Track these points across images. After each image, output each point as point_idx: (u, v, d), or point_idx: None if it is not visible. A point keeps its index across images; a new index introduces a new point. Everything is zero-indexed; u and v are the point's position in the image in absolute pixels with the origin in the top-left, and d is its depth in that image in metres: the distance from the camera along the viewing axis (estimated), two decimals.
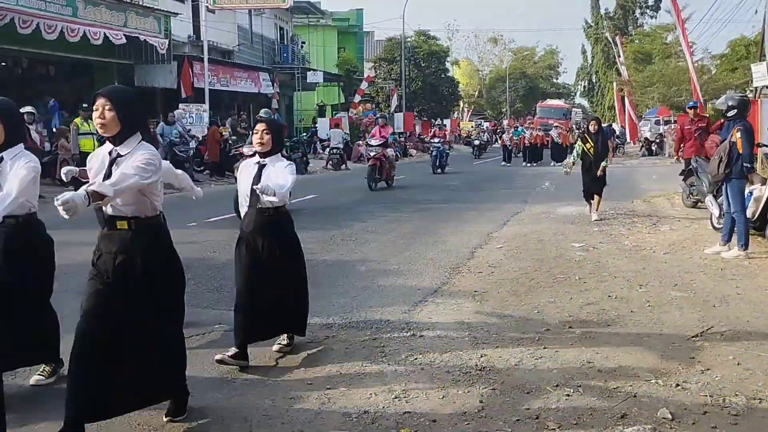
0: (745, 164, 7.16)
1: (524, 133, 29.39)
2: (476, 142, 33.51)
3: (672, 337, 4.78)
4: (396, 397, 3.77)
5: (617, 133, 34.12)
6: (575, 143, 11.72)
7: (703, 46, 72.72)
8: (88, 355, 3.12)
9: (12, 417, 3.20)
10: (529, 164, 26.78)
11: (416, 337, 4.82)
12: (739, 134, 7.15)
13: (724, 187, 7.50)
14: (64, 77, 20.19)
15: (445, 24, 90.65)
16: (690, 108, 12.63)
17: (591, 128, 10.91)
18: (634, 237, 8.96)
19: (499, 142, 32.34)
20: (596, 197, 10.62)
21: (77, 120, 12.86)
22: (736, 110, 7.31)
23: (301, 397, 3.77)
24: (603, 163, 10.53)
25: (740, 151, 7.11)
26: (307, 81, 32.72)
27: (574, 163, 11.36)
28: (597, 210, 10.59)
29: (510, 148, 28.66)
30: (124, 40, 18.36)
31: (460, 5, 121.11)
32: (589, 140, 10.67)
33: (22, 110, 13.12)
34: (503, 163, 27.27)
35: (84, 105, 13.30)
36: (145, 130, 3.60)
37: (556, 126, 30.61)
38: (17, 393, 3.80)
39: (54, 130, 15.99)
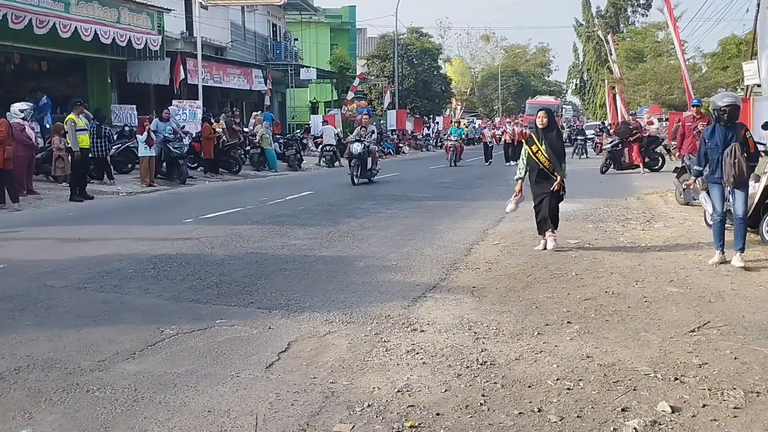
0: (751, 163, 6.98)
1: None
2: (357, 150, 16.26)
3: (669, 331, 4.83)
4: (399, 391, 3.80)
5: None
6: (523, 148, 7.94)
7: (695, 45, 73.20)
8: None
9: None
10: (510, 164, 24.86)
11: (417, 332, 4.85)
12: (749, 134, 7.03)
13: (732, 191, 6.99)
14: (57, 73, 20.11)
15: (438, 21, 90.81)
16: (694, 106, 12.68)
17: (539, 123, 7.66)
18: (628, 233, 9.02)
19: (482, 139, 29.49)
20: (550, 229, 7.73)
21: (73, 117, 12.76)
22: (739, 110, 7.27)
23: (305, 391, 3.79)
24: (561, 173, 7.62)
25: (752, 150, 6.92)
26: (300, 78, 32.74)
27: (521, 180, 7.93)
28: (553, 237, 7.78)
29: (491, 145, 27.29)
30: (110, 42, 18.31)
31: (452, 3, 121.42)
32: (536, 142, 7.59)
33: (18, 106, 13.21)
34: (486, 163, 25.82)
35: (79, 101, 13.23)
36: None
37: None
38: None
39: (47, 126, 15.92)
